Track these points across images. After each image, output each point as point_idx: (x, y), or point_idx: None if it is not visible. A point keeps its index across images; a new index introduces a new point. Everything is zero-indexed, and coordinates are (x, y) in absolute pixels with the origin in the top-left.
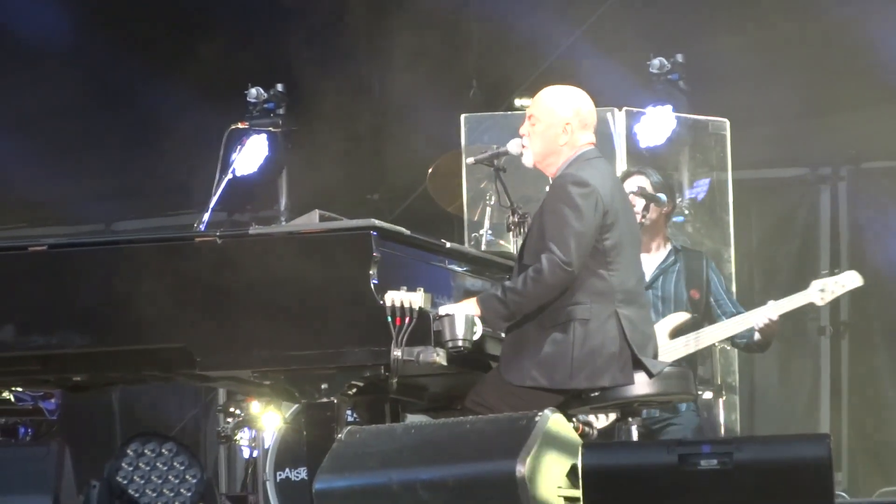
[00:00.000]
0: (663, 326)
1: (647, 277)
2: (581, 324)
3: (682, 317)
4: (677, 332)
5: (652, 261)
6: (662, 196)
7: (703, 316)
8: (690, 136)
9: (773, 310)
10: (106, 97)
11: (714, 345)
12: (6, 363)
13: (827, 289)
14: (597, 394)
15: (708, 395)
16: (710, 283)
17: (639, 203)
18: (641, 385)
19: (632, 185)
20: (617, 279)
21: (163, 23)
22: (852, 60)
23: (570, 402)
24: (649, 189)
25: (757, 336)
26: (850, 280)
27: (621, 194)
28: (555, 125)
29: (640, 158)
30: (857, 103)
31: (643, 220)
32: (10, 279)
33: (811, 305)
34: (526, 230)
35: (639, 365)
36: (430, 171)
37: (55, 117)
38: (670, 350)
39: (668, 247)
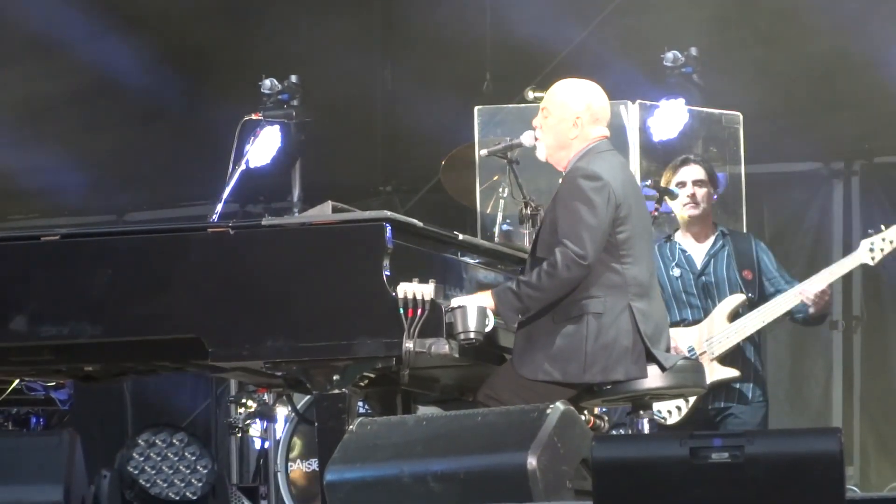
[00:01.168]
0: (721, 311)
1: (698, 265)
2: (595, 317)
3: (737, 298)
4: (735, 315)
5: (701, 249)
6: (675, 189)
7: (759, 296)
8: (704, 130)
9: (824, 278)
10: (118, 87)
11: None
12: (18, 353)
13: (875, 247)
14: (609, 387)
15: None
16: (761, 262)
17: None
18: (654, 378)
19: (689, 174)
20: (630, 272)
21: (175, 13)
22: (865, 54)
23: (582, 395)
24: (703, 176)
25: (811, 309)
26: None
27: (633, 187)
28: (566, 119)
29: (653, 152)
30: (870, 98)
31: (655, 214)
32: (23, 269)
33: (864, 267)
34: (539, 223)
35: (651, 358)
36: (443, 163)
37: (67, 107)
38: (730, 333)
39: (716, 232)
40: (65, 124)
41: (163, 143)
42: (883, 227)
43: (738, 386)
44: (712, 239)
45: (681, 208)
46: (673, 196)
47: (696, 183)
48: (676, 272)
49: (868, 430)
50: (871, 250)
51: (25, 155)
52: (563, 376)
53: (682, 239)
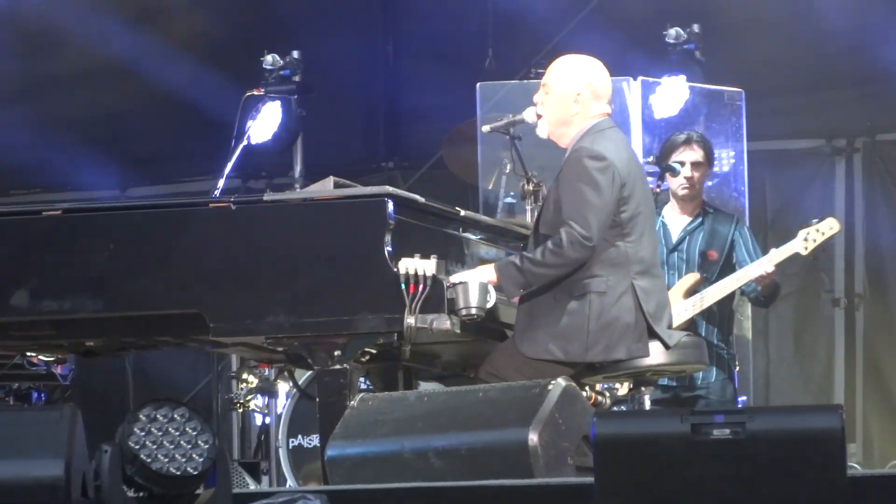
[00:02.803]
0: (678, 288)
1: (674, 240)
2: (598, 296)
3: (692, 278)
4: (690, 293)
5: (680, 224)
6: (677, 166)
7: (721, 277)
8: (705, 107)
9: (765, 263)
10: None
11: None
12: (20, 328)
13: (809, 237)
14: (611, 364)
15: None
16: (735, 245)
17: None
18: (656, 355)
19: (689, 156)
20: (633, 250)
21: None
22: (867, 32)
23: (584, 372)
24: (702, 159)
25: (759, 287)
26: (829, 227)
27: (636, 165)
28: (566, 95)
29: (655, 129)
30: (873, 75)
31: (657, 190)
32: (24, 243)
33: (797, 256)
34: (541, 199)
35: (654, 335)
36: (445, 139)
37: (69, 84)
38: (680, 311)
39: (699, 209)
40: (67, 101)
41: (164, 119)
42: (816, 220)
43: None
44: (695, 216)
45: (675, 186)
46: (675, 173)
47: (694, 166)
48: None
49: (871, 407)
50: (805, 240)
51: (27, 131)
52: (566, 355)
53: (668, 212)
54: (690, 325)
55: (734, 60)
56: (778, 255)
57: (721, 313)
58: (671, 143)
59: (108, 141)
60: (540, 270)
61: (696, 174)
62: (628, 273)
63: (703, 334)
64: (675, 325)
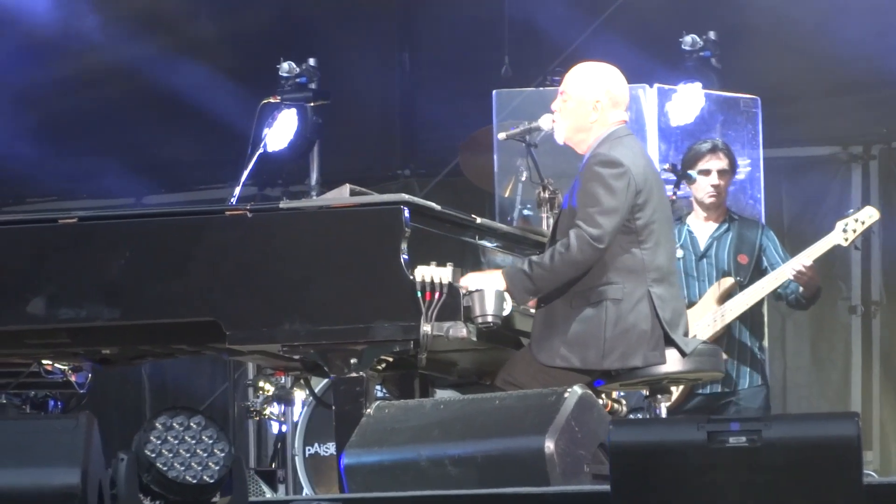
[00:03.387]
0: (711, 294)
1: (701, 247)
2: (614, 303)
3: (727, 282)
4: (725, 298)
5: (707, 231)
6: (693, 174)
7: (753, 281)
8: (721, 114)
9: (802, 258)
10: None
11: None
12: (36, 336)
13: (849, 227)
14: (627, 371)
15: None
16: (765, 249)
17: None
18: (672, 363)
19: (716, 165)
20: (649, 257)
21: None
22: (882, 39)
23: (600, 380)
24: (727, 167)
25: (801, 289)
26: (868, 215)
27: (653, 172)
28: (585, 102)
29: (671, 136)
30: (890, 81)
31: (673, 198)
32: (40, 252)
33: (838, 248)
34: (557, 207)
35: (670, 343)
36: (460, 146)
37: (84, 91)
38: (718, 317)
39: (724, 216)
40: (82, 109)
41: (180, 127)
42: (853, 209)
43: (730, 371)
44: (721, 222)
45: (702, 194)
46: (691, 181)
47: (720, 174)
48: (680, 254)
49: (888, 415)
50: (845, 231)
51: (43, 139)
52: (582, 363)
53: (693, 220)
54: (726, 328)
55: (750, 67)
56: (816, 249)
57: (754, 316)
58: (696, 151)
59: (123, 148)
60: (548, 275)
61: (723, 182)
62: (644, 280)
63: (738, 337)
64: (712, 331)
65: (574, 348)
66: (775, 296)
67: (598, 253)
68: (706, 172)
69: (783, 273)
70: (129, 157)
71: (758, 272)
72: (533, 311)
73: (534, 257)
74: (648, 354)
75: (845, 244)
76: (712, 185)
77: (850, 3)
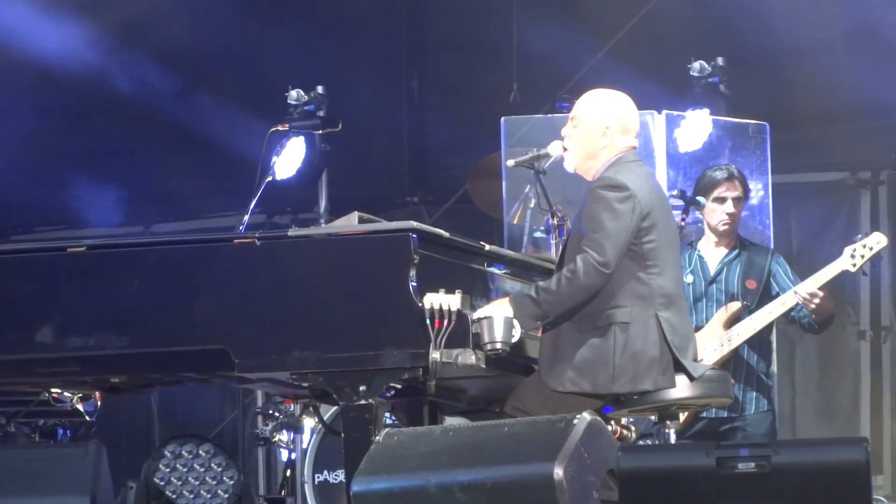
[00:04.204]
0: (718, 318)
1: (711, 272)
2: (621, 328)
3: (734, 306)
4: (732, 322)
5: (717, 256)
6: (702, 199)
7: (760, 306)
8: (730, 140)
9: (809, 283)
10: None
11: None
12: (45, 364)
13: (857, 253)
14: (637, 397)
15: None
16: (775, 274)
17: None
18: (681, 388)
19: (731, 192)
20: (657, 282)
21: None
22: (892, 63)
23: (609, 406)
24: (742, 194)
25: (813, 314)
26: (876, 241)
27: (660, 197)
28: (595, 129)
29: (679, 162)
30: None
31: (682, 224)
32: (49, 280)
33: (846, 274)
34: (566, 233)
35: (679, 368)
36: (471, 171)
37: (92, 121)
38: (724, 341)
39: (735, 242)
40: (90, 138)
41: (189, 155)
42: (861, 235)
43: (739, 396)
44: (731, 248)
45: (716, 221)
46: (700, 206)
47: (735, 202)
48: (690, 278)
49: None
50: (853, 256)
51: (51, 168)
52: (593, 387)
53: (704, 245)
54: (733, 353)
55: (758, 93)
56: (824, 275)
57: (762, 341)
58: (711, 179)
59: (132, 177)
60: (554, 300)
61: (737, 210)
62: (652, 304)
63: (746, 360)
64: (719, 356)
65: (583, 373)
66: (788, 319)
67: (604, 278)
68: (721, 200)
69: (790, 298)
70: (138, 186)
71: (767, 297)
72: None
73: (540, 283)
74: (658, 378)
75: (853, 270)
76: (727, 214)
77: (859, 30)
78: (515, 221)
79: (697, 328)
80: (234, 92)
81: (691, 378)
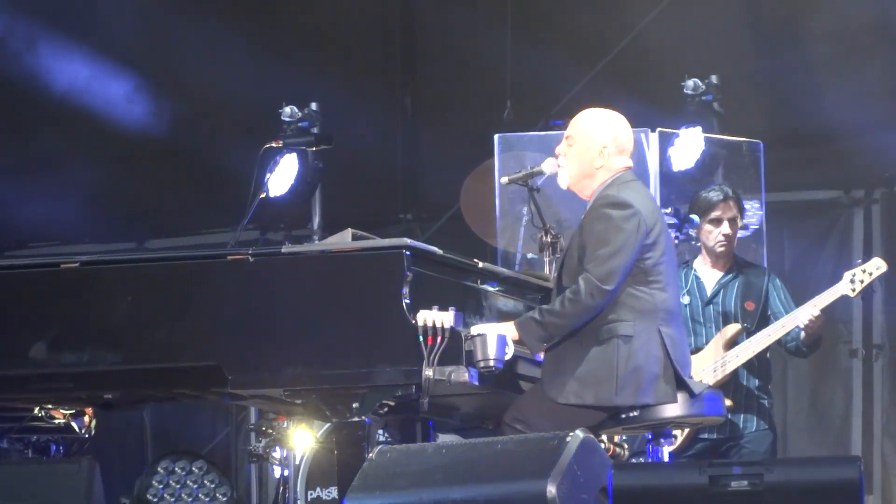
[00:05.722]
0: (717, 340)
1: (708, 293)
2: (625, 340)
3: (734, 328)
4: (731, 344)
5: (714, 277)
6: (695, 218)
7: (759, 328)
8: (724, 158)
9: (809, 307)
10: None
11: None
12: (38, 381)
13: (856, 279)
14: (635, 413)
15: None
16: (769, 295)
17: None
18: (676, 406)
19: (728, 213)
20: (659, 297)
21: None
22: (885, 83)
23: (605, 423)
24: (738, 213)
25: (802, 335)
26: (876, 266)
27: (660, 215)
28: (591, 148)
29: (673, 179)
30: (891, 125)
31: (676, 241)
32: (42, 296)
33: (850, 303)
34: (559, 251)
35: (681, 384)
36: (463, 187)
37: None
38: (724, 363)
39: (733, 263)
40: (83, 155)
41: (182, 171)
42: (860, 260)
43: (735, 418)
44: (727, 269)
45: (713, 243)
46: (694, 225)
47: (731, 223)
48: (686, 299)
49: (890, 458)
50: (852, 282)
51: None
52: (595, 399)
53: (700, 266)
54: (732, 374)
55: (751, 111)
56: (824, 299)
57: (760, 361)
58: (706, 201)
59: (125, 193)
60: (560, 321)
61: (733, 231)
62: (654, 319)
63: (745, 383)
64: (718, 377)
65: (586, 385)
66: (776, 342)
67: (608, 296)
68: (717, 222)
69: (791, 322)
70: (131, 201)
71: (763, 319)
72: (541, 355)
73: (545, 306)
74: (661, 392)
75: (852, 295)
76: (724, 235)
77: (851, 47)
78: (509, 239)
79: (696, 350)
80: (229, 107)
81: (692, 394)
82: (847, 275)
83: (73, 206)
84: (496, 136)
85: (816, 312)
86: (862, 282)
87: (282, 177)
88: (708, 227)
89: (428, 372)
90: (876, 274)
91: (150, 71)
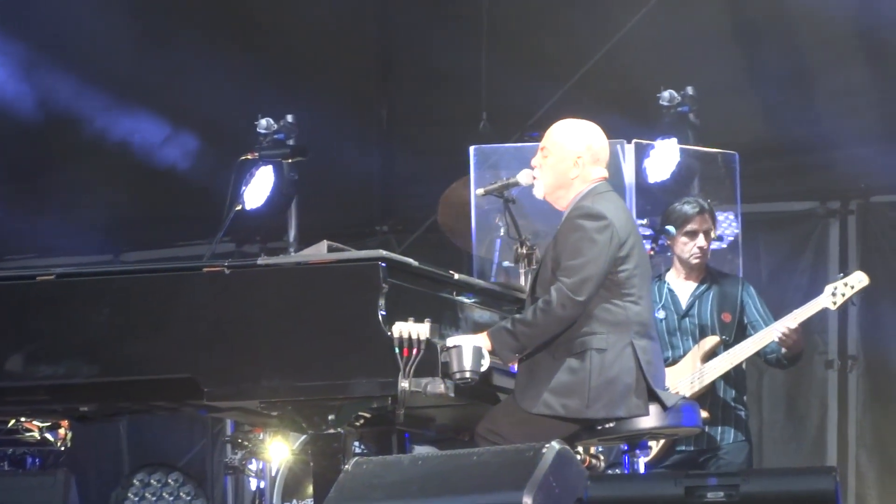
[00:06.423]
0: (695, 352)
1: (683, 306)
2: (598, 353)
3: (712, 340)
4: (709, 356)
5: (687, 289)
6: (671, 229)
7: (737, 339)
8: (699, 169)
9: (789, 320)
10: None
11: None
12: (14, 393)
13: (837, 291)
14: (611, 425)
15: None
16: (745, 306)
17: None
18: (652, 418)
19: (703, 225)
20: (633, 310)
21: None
22: (861, 95)
23: (580, 434)
24: (712, 226)
25: (783, 350)
26: (858, 280)
27: (634, 227)
28: (566, 158)
29: (648, 191)
30: (867, 137)
31: (651, 253)
32: (18, 309)
33: (826, 314)
34: (534, 263)
35: (653, 396)
36: (440, 200)
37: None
38: (701, 375)
39: (704, 273)
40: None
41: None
42: (842, 274)
43: (712, 430)
44: (701, 280)
45: (688, 255)
46: (670, 236)
47: (706, 235)
48: (662, 314)
49: (864, 469)
50: (833, 294)
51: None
52: (566, 411)
53: (674, 279)
54: (710, 386)
55: (727, 122)
56: (804, 312)
57: (736, 373)
58: (682, 213)
59: (101, 205)
60: (532, 332)
61: (707, 243)
62: (628, 332)
63: (721, 395)
64: (695, 389)
65: (558, 397)
66: (755, 354)
67: (579, 307)
68: (693, 234)
69: (769, 335)
70: (107, 214)
71: (741, 329)
72: (514, 367)
73: (517, 315)
74: (632, 405)
75: (833, 308)
76: (699, 248)
77: (826, 59)
78: (484, 250)
79: (673, 362)
80: (205, 119)
81: (664, 407)
82: (829, 288)
83: (50, 218)
84: (472, 148)
85: (794, 325)
86: (843, 295)
87: (257, 189)
88: (683, 238)
89: (404, 384)
90: (858, 287)
91: (125, 84)
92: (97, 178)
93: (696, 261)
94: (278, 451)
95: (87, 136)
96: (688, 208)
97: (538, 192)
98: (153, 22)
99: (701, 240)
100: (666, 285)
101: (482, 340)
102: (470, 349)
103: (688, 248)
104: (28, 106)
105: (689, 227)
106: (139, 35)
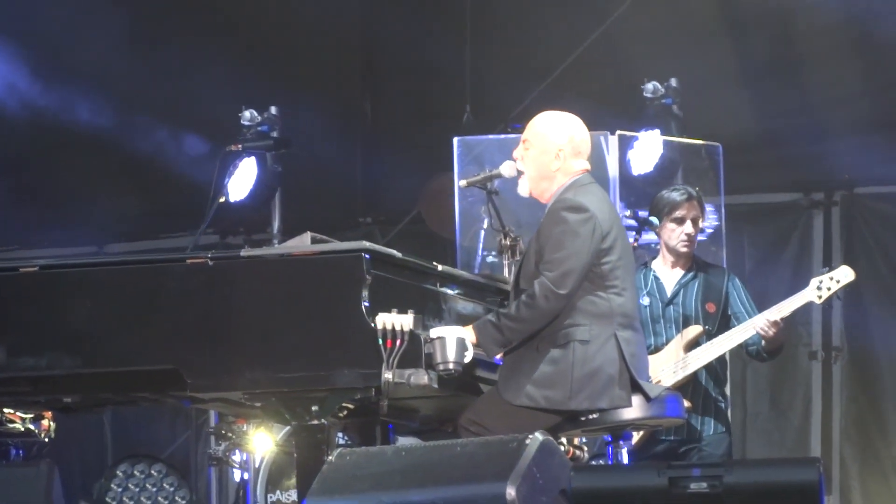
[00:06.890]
0: (678, 341)
1: (668, 294)
2: (581, 344)
3: (695, 330)
4: (692, 346)
5: (673, 278)
6: (655, 220)
7: (720, 329)
8: (683, 160)
9: (772, 312)
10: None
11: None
12: None
13: (823, 286)
14: (594, 416)
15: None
16: (730, 297)
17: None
18: (635, 408)
19: (691, 212)
20: (616, 301)
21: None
22: (845, 86)
23: (563, 425)
24: (700, 213)
25: (763, 342)
26: (844, 275)
27: (618, 218)
28: (548, 151)
29: (632, 182)
30: (851, 128)
31: (635, 245)
32: (1, 300)
33: (811, 305)
34: (518, 254)
35: (636, 388)
36: (423, 192)
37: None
38: (683, 365)
39: (691, 262)
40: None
41: (141, 175)
42: (831, 267)
43: (693, 420)
44: (687, 269)
45: (675, 242)
46: (653, 227)
47: (694, 222)
48: (646, 301)
49: (848, 460)
50: (819, 289)
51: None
52: (547, 402)
53: (660, 266)
54: (692, 376)
55: (711, 114)
56: (789, 305)
57: (718, 364)
58: (670, 200)
59: (84, 197)
60: (517, 325)
61: (695, 230)
62: (611, 324)
63: (703, 385)
64: (676, 378)
65: (541, 388)
66: (738, 345)
67: (562, 300)
68: (681, 221)
69: (754, 325)
70: (90, 206)
71: (724, 319)
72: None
73: (501, 309)
74: (615, 397)
75: (818, 301)
76: (687, 234)
77: (811, 51)
78: (468, 242)
79: (655, 350)
80: (189, 112)
81: (647, 398)
82: (814, 281)
83: (33, 210)
84: (455, 140)
85: (778, 317)
86: (829, 289)
87: (241, 181)
88: (671, 225)
89: (387, 375)
90: (844, 282)
91: (112, 78)
92: (82, 171)
93: (684, 248)
94: (262, 442)
95: (72, 129)
96: (676, 195)
97: (523, 190)
98: (139, 17)
99: (689, 226)
100: (652, 272)
101: (468, 333)
102: (454, 340)
103: (675, 234)
104: (13, 100)
105: (677, 213)
106: (125, 30)
